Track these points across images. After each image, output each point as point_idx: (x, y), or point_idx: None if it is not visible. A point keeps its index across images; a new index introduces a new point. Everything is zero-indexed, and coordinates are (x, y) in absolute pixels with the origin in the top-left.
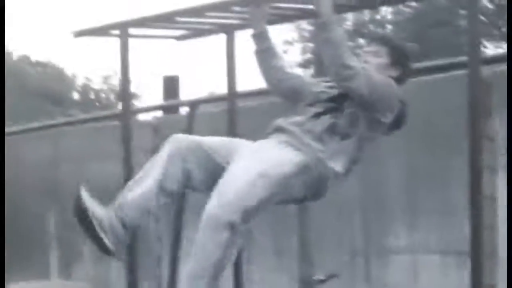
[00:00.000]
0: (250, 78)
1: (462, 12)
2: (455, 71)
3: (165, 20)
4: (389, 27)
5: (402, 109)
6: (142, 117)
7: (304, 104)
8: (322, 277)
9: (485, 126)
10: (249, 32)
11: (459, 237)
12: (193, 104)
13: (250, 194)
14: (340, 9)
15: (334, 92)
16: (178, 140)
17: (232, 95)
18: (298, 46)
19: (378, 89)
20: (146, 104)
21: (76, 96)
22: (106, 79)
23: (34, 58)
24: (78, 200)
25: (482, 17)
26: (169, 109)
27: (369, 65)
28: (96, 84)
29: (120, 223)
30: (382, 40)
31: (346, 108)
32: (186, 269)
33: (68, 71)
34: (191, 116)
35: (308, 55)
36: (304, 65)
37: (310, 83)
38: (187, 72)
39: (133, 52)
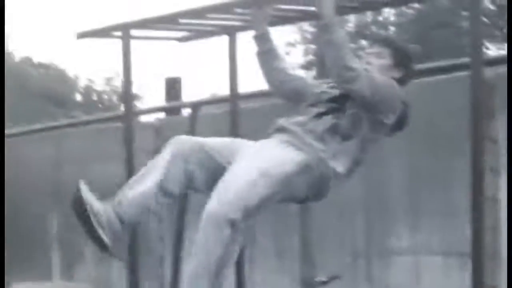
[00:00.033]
0: (252, 80)
1: (464, 13)
2: (457, 73)
3: (167, 21)
4: (391, 28)
5: (404, 110)
6: (144, 118)
7: (306, 105)
8: (324, 279)
9: (487, 128)
10: (251, 33)
11: (461, 239)
12: (195, 106)
13: (251, 192)
14: (342, 10)
15: (336, 92)
16: (181, 141)
17: (234, 96)
18: (300, 48)
19: (380, 91)
20: (148, 106)
21: (78, 97)
22: (108, 80)
23: (36, 59)
24: (77, 193)
25: (484, 19)
26: (171, 110)
27: (372, 67)
28: (99, 85)
29: (118, 219)
30: (385, 42)
31: (348, 109)
32: (187, 268)
33: (71, 73)
34: (193, 117)
35: (310, 57)
36: (306, 66)
37: (312, 84)
38: (189, 74)
39: (135, 53)
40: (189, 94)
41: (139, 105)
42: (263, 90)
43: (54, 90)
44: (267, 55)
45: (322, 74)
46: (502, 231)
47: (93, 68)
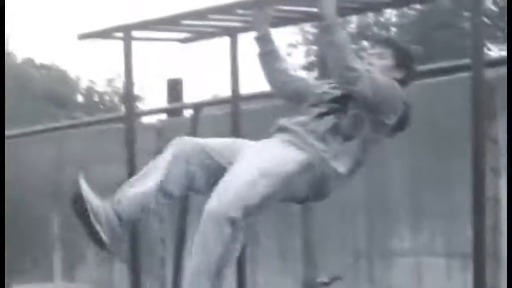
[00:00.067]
0: (254, 81)
1: (466, 14)
2: (458, 74)
3: (169, 23)
4: (393, 29)
5: (406, 111)
6: (146, 119)
7: (307, 105)
8: (326, 280)
9: (488, 128)
10: (252, 34)
11: (463, 239)
12: (197, 107)
13: (251, 191)
14: (344, 11)
15: (338, 93)
16: (182, 142)
17: (236, 97)
18: (302, 49)
19: (382, 91)
20: (150, 107)
21: (80, 98)
22: (110, 82)
23: (38, 60)
24: (77, 191)
25: (486, 20)
26: (173, 111)
27: (374, 67)
28: (100, 86)
29: (117, 217)
30: (387, 42)
31: (349, 109)
32: (188, 266)
33: (72, 74)
34: (195, 118)
35: (312, 58)
36: (308, 67)
37: (314, 85)
38: (190, 75)
39: (137, 54)
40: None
41: (141, 106)
42: (265, 91)
43: (55, 91)
44: (269, 56)
45: (323, 75)
46: (503, 232)
47: (94, 69)
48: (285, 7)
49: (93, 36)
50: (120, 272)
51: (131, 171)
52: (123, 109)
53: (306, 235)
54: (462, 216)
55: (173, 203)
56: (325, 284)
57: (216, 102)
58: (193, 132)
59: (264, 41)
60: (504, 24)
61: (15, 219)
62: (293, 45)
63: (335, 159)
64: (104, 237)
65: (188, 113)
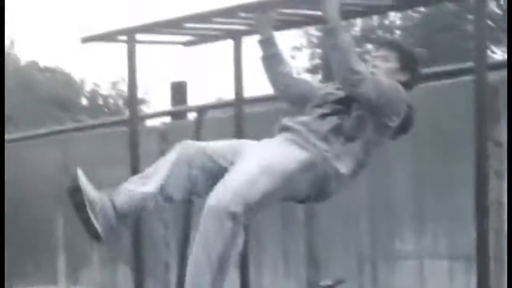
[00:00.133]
0: (257, 84)
1: (470, 17)
2: (462, 77)
3: (172, 26)
4: (397, 32)
5: (409, 113)
6: (150, 122)
7: (311, 106)
8: (329, 283)
9: (492, 131)
10: (256, 37)
11: (466, 242)
12: (201, 110)
13: (252, 188)
14: (348, 14)
15: (341, 94)
16: (185, 146)
17: (239, 100)
18: (306, 52)
19: (385, 94)
20: (154, 110)
21: (84, 101)
22: (114, 84)
23: (42, 64)
24: (74, 179)
25: (490, 22)
26: (177, 114)
27: (378, 70)
28: (104, 89)
29: (113, 209)
30: (391, 45)
31: (353, 111)
32: (190, 262)
33: (77, 77)
34: (198, 121)
35: (316, 61)
36: (312, 70)
37: (318, 88)
38: (194, 78)
39: (141, 58)
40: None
41: (145, 109)
42: (268, 94)
43: (60, 94)
44: (272, 60)
45: (328, 78)
46: (506, 234)
47: (99, 72)
48: (288, 10)
49: (96, 39)
50: (124, 275)
51: (135, 174)
52: (127, 112)
53: (310, 238)
54: (466, 219)
55: (177, 208)
56: (329, 287)
57: (220, 105)
58: (197, 135)
59: (268, 44)
60: None
61: (19, 221)
62: (297, 48)
63: (337, 160)
64: (99, 229)
65: (192, 116)
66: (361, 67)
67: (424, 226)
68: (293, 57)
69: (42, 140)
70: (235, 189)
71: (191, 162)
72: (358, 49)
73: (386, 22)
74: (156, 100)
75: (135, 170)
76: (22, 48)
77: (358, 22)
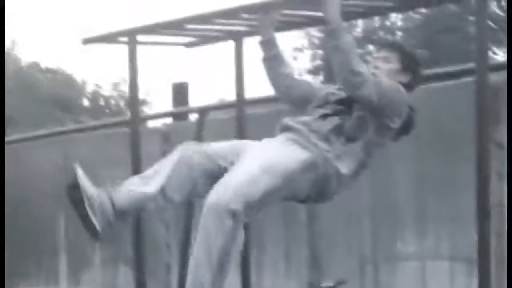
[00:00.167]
0: (259, 85)
1: (472, 18)
2: (464, 78)
3: (174, 27)
4: (398, 33)
5: (410, 114)
6: (151, 123)
7: (312, 106)
8: (331, 284)
9: (493, 133)
10: (257, 39)
11: (468, 244)
12: (202, 111)
13: (253, 186)
14: (349, 15)
15: (343, 94)
16: (187, 148)
17: (241, 102)
18: (307, 53)
19: (387, 95)
20: (155, 111)
21: (85, 102)
22: (115, 86)
23: (44, 65)
24: (72, 176)
25: (491, 24)
26: (179, 116)
27: (380, 71)
28: (106, 91)
29: (112, 206)
30: (393, 46)
31: (354, 111)
32: (190, 260)
33: (78, 78)
34: (200, 123)
35: (318, 62)
36: (313, 72)
37: (319, 88)
38: (196, 79)
39: (142, 59)
40: (196, 100)
41: (147, 110)
42: (270, 95)
43: (61, 95)
44: (273, 61)
45: (329, 79)
46: (507, 236)
47: (100, 73)
48: (290, 12)
49: (98, 41)
50: (125, 277)
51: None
52: (128, 113)
53: (311, 239)
54: (467, 221)
55: (178, 209)
56: None
57: (222, 106)
58: (199, 136)
59: (269, 46)
60: None
61: (20, 222)
62: (299, 49)
63: (338, 160)
64: (97, 226)
65: (193, 117)
66: (362, 68)
67: (425, 228)
68: (294, 58)
69: (44, 141)
70: (235, 187)
71: (192, 163)
72: (359, 50)
73: (388, 23)
74: (157, 101)
75: (136, 171)
76: (24, 49)
77: (360, 23)
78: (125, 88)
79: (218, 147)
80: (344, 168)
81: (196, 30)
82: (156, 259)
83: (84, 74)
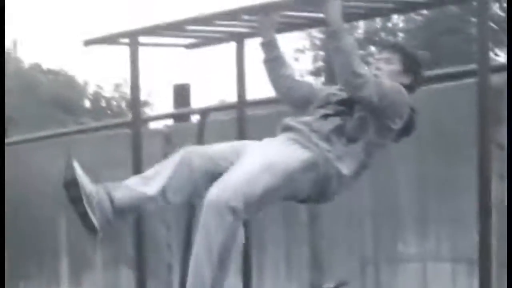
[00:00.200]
0: (260, 86)
1: (473, 19)
2: (466, 79)
3: (175, 28)
4: (400, 34)
5: (412, 115)
6: (153, 125)
7: (314, 106)
8: (332, 285)
9: (495, 134)
10: (258, 40)
11: (469, 245)
12: (204, 112)
13: (253, 184)
14: (350, 17)
15: (344, 95)
16: (189, 150)
17: (242, 103)
18: (309, 54)
19: (388, 96)
20: (157, 112)
21: (87, 104)
22: (117, 87)
23: (45, 66)
24: (70, 171)
25: (493, 25)
26: (180, 117)
27: (381, 72)
28: (107, 92)
29: (110, 202)
30: (394, 48)
31: (355, 112)
32: (191, 259)
33: (80, 79)
34: (201, 124)
35: (319, 63)
36: (315, 73)
37: (320, 89)
38: (197, 80)
39: (144, 60)
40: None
41: (148, 111)
42: (271, 97)
43: (63, 96)
44: (274, 63)
45: (330, 80)
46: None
47: (102, 74)
48: (291, 13)
49: (99, 42)
50: (127, 278)
51: None
52: (130, 114)
53: (313, 241)
54: (469, 222)
55: (179, 209)
56: None
57: (223, 108)
58: (200, 137)
59: (270, 47)
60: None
61: (21, 224)
62: (300, 50)
63: (339, 160)
64: (95, 222)
65: (195, 118)
66: (363, 70)
67: (426, 229)
68: (296, 60)
69: (45, 142)
70: (235, 185)
71: (193, 165)
72: (361, 52)
73: (389, 24)
74: (159, 102)
75: (137, 172)
76: (25, 50)
77: (361, 24)
78: (126, 90)
79: (219, 148)
80: (345, 168)
81: (197, 31)
82: (157, 259)
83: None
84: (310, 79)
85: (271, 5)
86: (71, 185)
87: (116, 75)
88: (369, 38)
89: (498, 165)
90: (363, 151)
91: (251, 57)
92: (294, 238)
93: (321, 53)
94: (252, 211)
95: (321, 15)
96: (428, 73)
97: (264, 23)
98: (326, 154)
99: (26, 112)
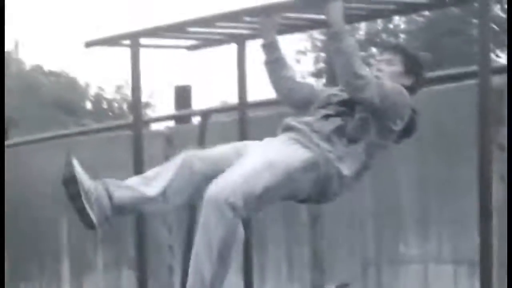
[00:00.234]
0: (261, 88)
1: (475, 21)
2: (467, 81)
3: (176, 30)
4: (401, 36)
5: (413, 117)
6: (154, 126)
7: (315, 107)
8: (333, 286)
9: (496, 135)
10: (259, 41)
11: (470, 247)
12: (205, 114)
13: (253, 181)
14: (352, 18)
15: (345, 96)
16: (191, 153)
17: (243, 105)
18: (310, 56)
19: (389, 97)
20: (158, 114)
21: (88, 105)
22: (118, 88)
23: (47, 67)
24: (69, 168)
25: (494, 26)
26: (181, 118)
27: (383, 74)
28: (109, 93)
29: (108, 198)
30: (396, 49)
31: (356, 113)
32: (192, 257)
33: (81, 81)
34: (203, 125)
35: (321, 65)
36: (316, 74)
37: (321, 91)
38: (198, 82)
39: (145, 62)
40: (199, 102)
41: (149, 113)
42: (272, 98)
43: (64, 98)
44: (275, 64)
45: (332, 81)
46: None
47: (103, 76)
48: (292, 14)
49: (100, 44)
50: (128, 279)
51: None
52: (131, 116)
53: (315, 242)
54: (470, 223)
55: (181, 211)
56: None
57: (224, 109)
58: (201, 139)
59: (271, 49)
60: None
61: (22, 225)
62: (301, 52)
63: (339, 161)
64: (94, 219)
65: (196, 120)
66: (365, 71)
67: (428, 230)
68: (297, 61)
69: (47, 144)
70: (235, 182)
71: (195, 168)
72: (362, 53)
73: (391, 26)
74: (160, 104)
75: (139, 174)
76: (27, 52)
77: (363, 26)
78: (128, 91)
79: (220, 151)
80: (346, 169)
81: (199, 33)
82: (158, 261)
83: (87, 77)
84: (311, 80)
85: (272, 6)
86: (70, 182)
87: (117, 76)
88: (371, 40)
89: (499, 166)
90: (364, 152)
91: (252, 59)
92: (296, 239)
93: (323, 54)
94: (251, 209)
95: (322, 16)
96: (429, 74)
97: (265, 25)
98: (327, 154)
99: (27, 113)
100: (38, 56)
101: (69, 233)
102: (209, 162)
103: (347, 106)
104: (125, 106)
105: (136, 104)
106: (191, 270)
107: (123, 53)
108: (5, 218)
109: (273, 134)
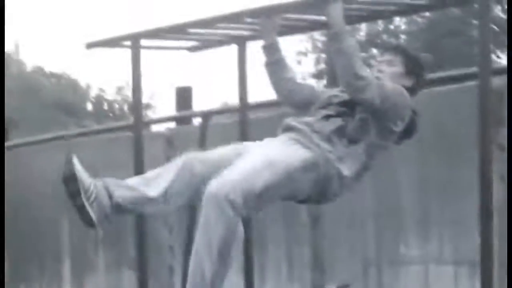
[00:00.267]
0: (262, 89)
1: (475, 22)
2: (467, 82)
3: (177, 31)
4: (402, 37)
5: (413, 118)
6: (155, 128)
7: (315, 107)
8: (334, 287)
9: (496, 136)
10: (260, 43)
11: (471, 247)
12: (206, 115)
13: (253, 179)
14: (352, 19)
15: (346, 96)
16: (192, 155)
17: (244, 106)
18: (311, 57)
19: (390, 98)
20: (159, 115)
21: (89, 107)
22: (119, 90)
23: (48, 69)
24: (69, 166)
25: (495, 27)
26: (182, 120)
27: (383, 75)
28: (110, 95)
29: (108, 196)
30: (397, 50)
31: (357, 113)
32: (192, 255)
33: (82, 82)
34: (203, 127)
35: (322, 66)
36: (317, 75)
37: (322, 92)
38: (199, 83)
39: (146, 63)
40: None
41: (150, 114)
42: (273, 99)
43: (65, 99)
44: (276, 66)
45: (332, 82)
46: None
47: (104, 77)
48: (293, 16)
49: (101, 45)
50: (129, 280)
51: None
52: (132, 117)
53: (315, 242)
54: (471, 224)
55: (181, 212)
56: None
57: (225, 111)
58: (202, 141)
59: (272, 50)
60: None
61: (23, 226)
62: (302, 53)
63: (340, 161)
64: (94, 217)
65: (197, 121)
66: (365, 72)
67: (428, 231)
68: (298, 62)
69: (48, 145)
70: (235, 180)
71: (195, 170)
72: (363, 54)
73: (391, 26)
74: (161, 105)
75: (139, 175)
76: (28, 53)
77: (363, 26)
78: (128, 92)
79: (221, 153)
80: (346, 169)
81: (199, 34)
82: (159, 261)
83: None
84: (312, 81)
85: (273, 8)
86: (70, 180)
87: (118, 78)
88: (371, 40)
89: (499, 167)
90: (365, 153)
91: (253, 60)
92: (296, 239)
93: (323, 55)
94: (251, 208)
95: (323, 17)
96: (430, 75)
97: (266, 26)
98: (327, 154)
99: (28, 114)
100: (38, 57)
101: (70, 234)
102: (209, 165)
103: (348, 107)
104: (125, 107)
105: (137, 105)
106: (191, 269)
107: (124, 54)
108: (5, 219)
109: (273, 135)
